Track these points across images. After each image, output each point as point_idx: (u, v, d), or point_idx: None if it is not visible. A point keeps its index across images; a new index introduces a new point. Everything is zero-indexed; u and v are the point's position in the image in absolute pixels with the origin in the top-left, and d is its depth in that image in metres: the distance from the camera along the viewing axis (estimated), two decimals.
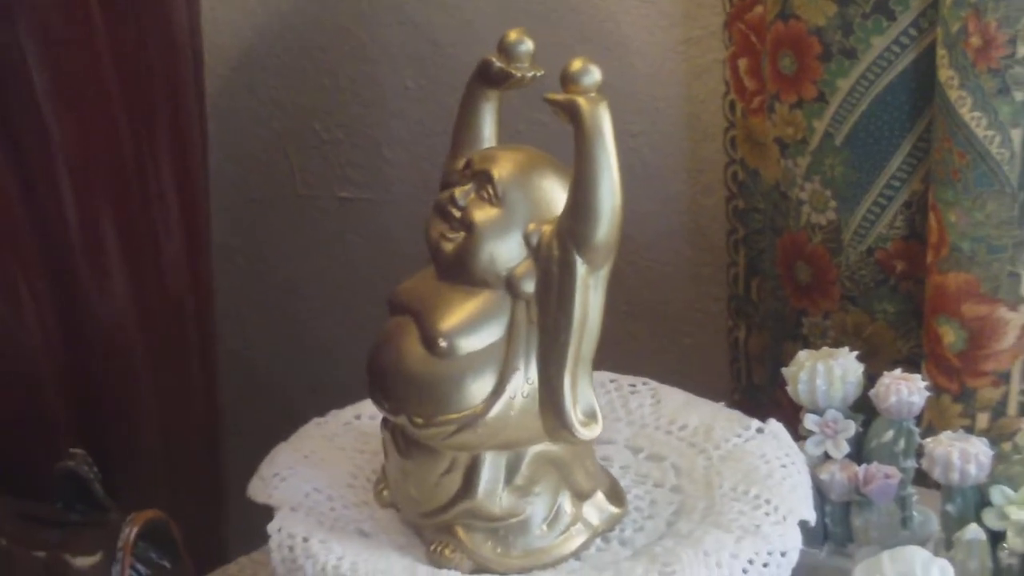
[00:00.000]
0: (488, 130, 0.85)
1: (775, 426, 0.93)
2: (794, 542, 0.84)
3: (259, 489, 0.88)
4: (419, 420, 0.80)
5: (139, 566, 0.83)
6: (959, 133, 1.06)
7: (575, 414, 0.80)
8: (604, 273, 0.79)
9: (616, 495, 0.87)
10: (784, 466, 0.89)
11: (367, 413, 0.95)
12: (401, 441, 0.84)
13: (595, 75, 0.77)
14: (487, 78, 0.84)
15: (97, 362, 1.19)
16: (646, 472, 0.92)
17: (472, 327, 0.80)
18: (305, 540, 0.83)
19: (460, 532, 0.83)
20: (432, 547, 0.84)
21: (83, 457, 0.85)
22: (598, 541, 0.86)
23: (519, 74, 0.83)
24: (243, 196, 1.57)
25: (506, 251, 0.80)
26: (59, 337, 1.16)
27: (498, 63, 0.83)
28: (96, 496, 0.84)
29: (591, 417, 0.81)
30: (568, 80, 0.77)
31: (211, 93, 1.40)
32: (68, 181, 1.14)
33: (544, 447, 0.83)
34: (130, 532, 0.82)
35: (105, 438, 1.18)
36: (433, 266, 0.83)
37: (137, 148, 1.19)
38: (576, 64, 0.77)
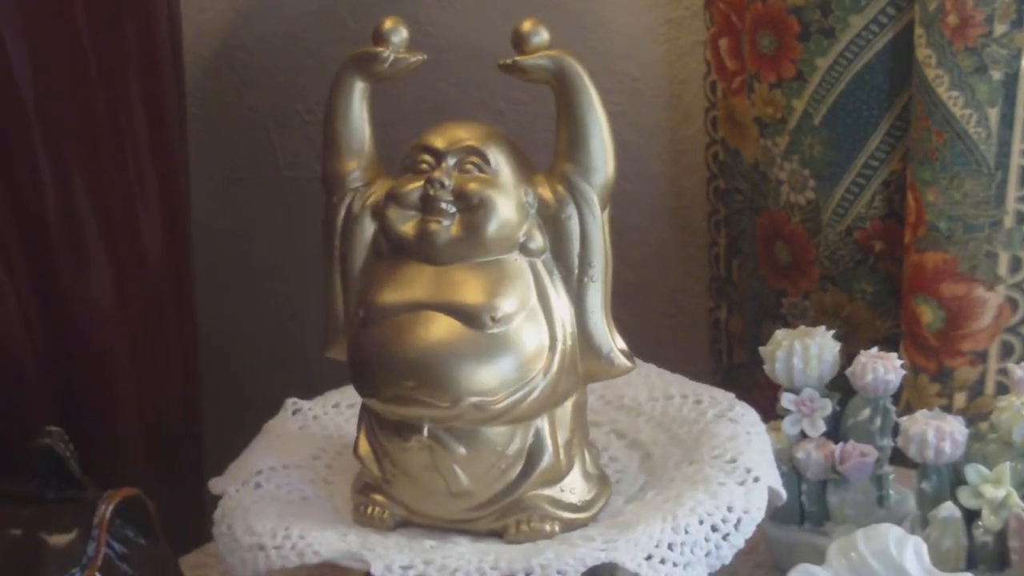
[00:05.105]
0: (367, 126, 0.85)
1: (639, 362, 0.99)
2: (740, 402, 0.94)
3: (281, 556, 0.82)
4: (490, 400, 0.80)
5: (114, 544, 0.82)
6: (936, 112, 1.06)
7: (616, 347, 0.84)
8: (608, 213, 0.83)
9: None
10: (679, 386, 0.97)
11: (267, 465, 0.92)
12: (451, 441, 0.82)
13: (544, 34, 0.81)
14: (369, 70, 0.84)
15: (77, 345, 1.19)
16: None
17: (510, 294, 0.81)
18: (427, 563, 0.79)
19: (531, 503, 0.83)
20: (512, 530, 0.83)
21: (59, 435, 0.84)
22: None
23: (413, 59, 0.84)
24: (225, 177, 1.57)
25: (512, 215, 0.81)
26: (39, 321, 1.16)
27: (387, 53, 0.83)
28: (72, 473, 0.83)
29: (626, 347, 0.84)
30: (521, 41, 0.81)
31: (193, 74, 1.39)
32: (47, 164, 1.14)
33: (576, 397, 0.85)
34: (105, 509, 0.82)
35: (85, 421, 1.18)
36: (409, 259, 0.83)
37: (116, 127, 1.19)
38: (527, 25, 0.81)
